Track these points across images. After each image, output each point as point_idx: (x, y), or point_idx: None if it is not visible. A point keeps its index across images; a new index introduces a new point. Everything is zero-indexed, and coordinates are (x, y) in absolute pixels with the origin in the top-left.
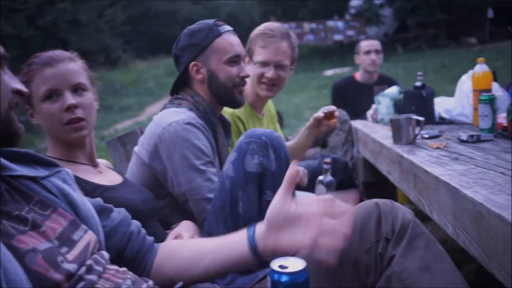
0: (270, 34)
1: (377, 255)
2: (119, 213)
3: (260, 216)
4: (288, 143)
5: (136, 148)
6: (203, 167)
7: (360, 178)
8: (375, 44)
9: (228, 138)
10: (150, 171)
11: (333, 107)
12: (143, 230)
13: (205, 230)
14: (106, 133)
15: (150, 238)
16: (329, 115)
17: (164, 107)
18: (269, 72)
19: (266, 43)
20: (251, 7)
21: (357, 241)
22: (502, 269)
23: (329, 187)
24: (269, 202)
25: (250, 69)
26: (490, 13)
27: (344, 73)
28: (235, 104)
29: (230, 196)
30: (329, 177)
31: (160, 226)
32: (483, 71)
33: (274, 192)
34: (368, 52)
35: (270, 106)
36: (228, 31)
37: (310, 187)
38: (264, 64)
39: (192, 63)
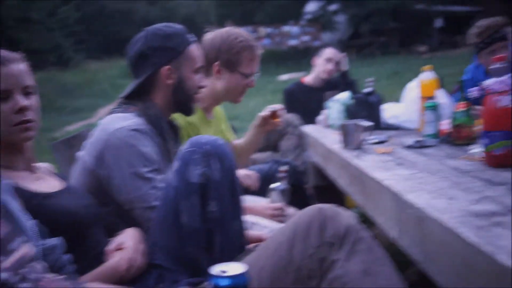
0: (256, 46)
1: (320, 260)
2: (54, 240)
3: (203, 228)
4: (237, 142)
5: (80, 153)
6: (149, 175)
7: (311, 182)
8: (338, 55)
9: (179, 144)
10: (94, 177)
11: (278, 106)
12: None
13: (150, 238)
14: (57, 134)
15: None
16: (273, 114)
17: (112, 112)
18: (252, 82)
19: (254, 56)
20: (208, 9)
21: (300, 246)
22: (441, 272)
23: (283, 194)
24: (213, 213)
25: (227, 78)
26: (440, 23)
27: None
28: (190, 112)
29: (173, 206)
30: (283, 185)
31: (104, 234)
32: (429, 78)
33: (218, 202)
34: (329, 60)
35: (217, 107)
36: (195, 40)
37: (261, 192)
38: (251, 75)
39: (167, 67)
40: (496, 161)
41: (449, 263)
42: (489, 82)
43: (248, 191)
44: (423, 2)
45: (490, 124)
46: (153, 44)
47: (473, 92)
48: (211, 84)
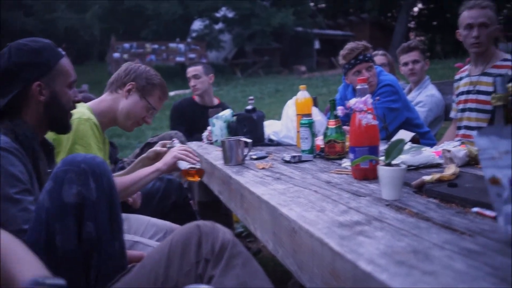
0: (168, 93)
1: (198, 277)
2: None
3: (79, 249)
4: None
5: None
6: (18, 196)
7: (195, 198)
8: (191, 70)
9: (52, 163)
10: None
11: (174, 143)
12: None
13: None
14: None
15: None
16: (195, 173)
17: None
18: (150, 119)
19: (164, 97)
20: (91, 23)
21: (177, 263)
22: (312, 280)
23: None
24: (89, 234)
25: (134, 100)
26: (317, 45)
27: (186, 94)
28: (67, 129)
29: (46, 229)
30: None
31: None
32: (304, 97)
33: (95, 222)
34: (193, 77)
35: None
36: (64, 54)
37: (144, 210)
38: (153, 111)
39: (37, 83)
40: (362, 174)
41: (319, 272)
42: (352, 101)
43: (130, 209)
44: (302, 25)
45: (356, 140)
46: (20, 60)
47: (339, 110)
48: (113, 100)
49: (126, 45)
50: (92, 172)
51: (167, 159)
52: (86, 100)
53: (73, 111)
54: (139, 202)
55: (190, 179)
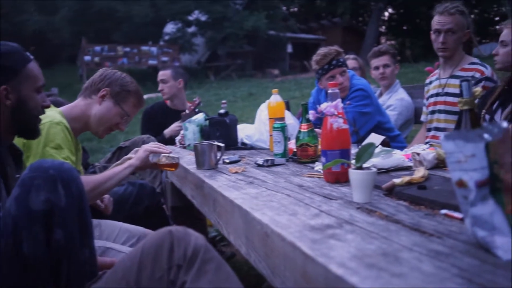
0: (143, 102)
1: (170, 282)
2: None
3: (48, 257)
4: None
5: None
6: None
7: (168, 203)
8: (160, 74)
9: (20, 169)
10: None
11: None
12: None
13: None
14: None
15: None
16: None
17: None
18: (124, 126)
19: (139, 105)
20: (61, 26)
21: (149, 269)
22: (284, 284)
23: None
24: (58, 241)
25: (107, 106)
26: (290, 48)
27: (158, 97)
28: (35, 134)
29: (13, 236)
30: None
31: None
32: (277, 101)
33: (64, 229)
34: (161, 81)
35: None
36: (33, 58)
37: (116, 216)
38: (127, 118)
39: (3, 87)
40: (333, 178)
41: (291, 275)
42: (323, 106)
43: (102, 215)
44: (274, 29)
45: (328, 144)
46: None
47: (310, 114)
48: (86, 106)
49: (97, 48)
50: (60, 178)
51: (139, 154)
52: (56, 103)
53: (42, 116)
54: (110, 208)
55: (167, 169)
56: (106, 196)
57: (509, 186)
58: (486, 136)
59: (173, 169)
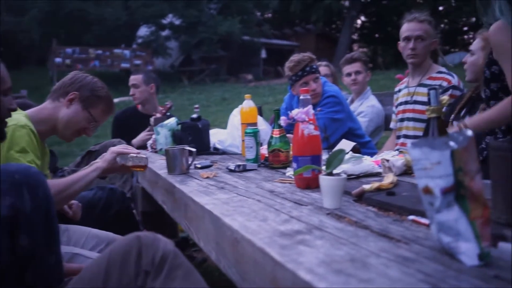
0: (114, 109)
1: None
2: None
3: (12, 263)
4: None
5: None
6: None
7: (139, 208)
8: (131, 79)
9: None
10: None
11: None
12: None
13: None
14: None
15: None
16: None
17: None
18: (91, 131)
19: (108, 111)
20: (30, 27)
21: (116, 276)
22: None
23: None
24: (24, 247)
25: (74, 110)
26: (264, 54)
27: (131, 101)
28: (1, 138)
29: None
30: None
31: None
32: (249, 106)
33: (30, 235)
34: (132, 86)
35: None
36: None
37: (85, 221)
38: (95, 124)
39: None
40: (304, 184)
41: (260, 281)
42: (294, 112)
43: (71, 220)
44: (249, 34)
45: (299, 150)
46: None
47: (282, 120)
48: (54, 109)
49: (69, 50)
50: (26, 183)
51: (106, 156)
52: (24, 106)
53: (8, 119)
54: (79, 214)
55: (136, 169)
56: (75, 202)
57: (473, 193)
58: (451, 144)
59: (143, 169)
